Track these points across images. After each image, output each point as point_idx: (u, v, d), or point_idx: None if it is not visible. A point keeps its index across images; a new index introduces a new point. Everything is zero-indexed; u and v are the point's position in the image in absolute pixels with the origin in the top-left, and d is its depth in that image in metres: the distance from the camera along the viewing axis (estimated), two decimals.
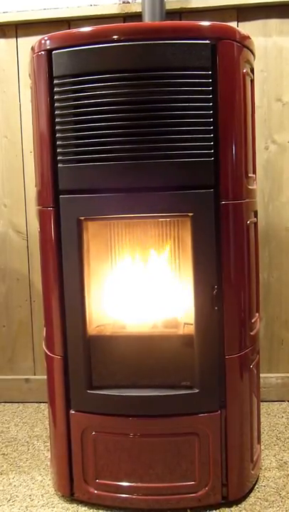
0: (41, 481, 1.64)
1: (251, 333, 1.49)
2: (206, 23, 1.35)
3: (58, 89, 1.37)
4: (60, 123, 1.38)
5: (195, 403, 1.43)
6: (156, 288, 1.58)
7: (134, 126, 1.34)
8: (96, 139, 1.35)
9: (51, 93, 1.38)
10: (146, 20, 1.74)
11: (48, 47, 1.37)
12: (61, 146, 1.39)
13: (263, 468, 1.65)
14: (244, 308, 1.44)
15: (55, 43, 1.37)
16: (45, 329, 1.53)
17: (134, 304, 1.59)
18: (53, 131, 1.39)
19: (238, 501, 1.49)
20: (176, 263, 1.62)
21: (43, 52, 1.38)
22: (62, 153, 1.39)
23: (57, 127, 1.38)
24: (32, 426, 2.03)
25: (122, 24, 1.69)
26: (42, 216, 1.46)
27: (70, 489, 1.52)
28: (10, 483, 1.63)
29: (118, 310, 1.59)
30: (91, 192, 1.38)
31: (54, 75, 1.37)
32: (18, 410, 2.18)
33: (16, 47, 2.10)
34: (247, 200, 1.43)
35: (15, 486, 1.61)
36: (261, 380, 1.73)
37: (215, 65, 1.33)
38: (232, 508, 1.47)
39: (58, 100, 1.37)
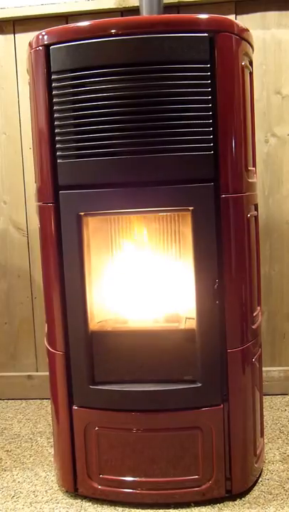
0: (45, 477, 1.64)
1: (253, 327, 1.49)
2: (204, 16, 1.34)
3: (56, 84, 1.36)
4: (58, 118, 1.38)
5: (198, 397, 1.43)
6: (158, 282, 1.58)
7: (133, 121, 1.33)
8: (95, 134, 1.35)
9: (49, 88, 1.38)
10: (144, 14, 1.74)
11: (46, 42, 1.37)
12: (60, 141, 1.39)
13: (266, 461, 1.66)
14: (245, 302, 1.44)
15: (52, 38, 1.36)
16: (46, 325, 1.53)
17: (136, 299, 1.59)
18: (51, 127, 1.39)
19: (241, 495, 1.49)
20: (177, 257, 1.61)
21: (40, 48, 1.38)
22: (61, 149, 1.39)
23: (56, 123, 1.38)
24: (35, 422, 2.04)
25: (120, 18, 1.68)
26: (42, 212, 1.46)
27: (73, 485, 1.52)
28: (14, 480, 1.63)
29: (119, 305, 1.59)
30: (91, 187, 1.38)
31: (52, 70, 1.36)
32: (21, 407, 2.19)
33: (13, 43, 2.10)
34: (247, 194, 1.43)
35: (19, 483, 1.61)
36: (264, 374, 1.73)
37: (213, 58, 1.33)
38: (236, 502, 1.47)
39: (57, 95, 1.37)
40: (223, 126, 1.35)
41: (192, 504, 1.46)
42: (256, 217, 1.55)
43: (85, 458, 1.49)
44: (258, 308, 1.57)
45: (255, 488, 1.52)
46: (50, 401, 1.58)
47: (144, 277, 1.58)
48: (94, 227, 1.51)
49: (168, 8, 1.95)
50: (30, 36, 1.44)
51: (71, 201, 1.40)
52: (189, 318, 1.51)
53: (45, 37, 1.37)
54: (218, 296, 1.39)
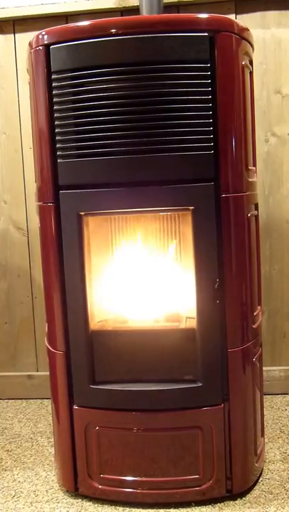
0: (45, 476, 1.64)
1: (253, 326, 1.49)
2: (204, 16, 1.34)
3: (57, 84, 1.36)
4: (58, 118, 1.38)
5: (198, 397, 1.43)
6: (158, 282, 1.58)
7: (133, 120, 1.33)
8: (95, 134, 1.35)
9: (49, 88, 1.38)
10: (144, 13, 1.73)
11: (46, 42, 1.37)
12: (60, 141, 1.39)
13: (267, 461, 1.66)
14: (246, 302, 1.44)
15: (52, 38, 1.36)
16: (47, 325, 1.53)
17: (136, 299, 1.59)
18: (52, 127, 1.39)
19: (242, 494, 1.49)
20: (178, 257, 1.61)
21: (40, 48, 1.38)
22: (61, 149, 1.39)
23: (56, 122, 1.38)
24: (35, 422, 2.04)
25: (120, 18, 1.67)
26: (42, 212, 1.46)
27: (74, 484, 1.52)
28: (14, 480, 1.63)
29: (120, 305, 1.59)
30: (91, 187, 1.38)
31: (52, 70, 1.36)
32: (22, 407, 2.19)
33: (14, 43, 2.10)
34: (247, 193, 1.43)
35: (19, 482, 1.61)
36: (264, 373, 1.73)
37: (213, 57, 1.33)
38: (236, 501, 1.47)
39: (57, 95, 1.37)
40: (224, 126, 1.35)
41: (193, 504, 1.46)
42: (256, 217, 1.55)
43: (86, 457, 1.49)
44: (259, 307, 1.57)
45: (256, 487, 1.52)
46: (50, 401, 1.58)
47: (144, 277, 1.58)
48: (94, 227, 1.50)
49: (168, 8, 1.95)
50: (30, 36, 1.44)
51: (71, 201, 1.40)
52: (190, 318, 1.51)
53: (45, 37, 1.37)
54: (219, 295, 1.39)
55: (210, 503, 1.46)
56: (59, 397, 1.50)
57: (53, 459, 1.73)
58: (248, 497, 1.48)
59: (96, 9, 2.01)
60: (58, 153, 1.39)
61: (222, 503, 1.46)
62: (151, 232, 1.60)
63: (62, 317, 1.46)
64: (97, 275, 1.52)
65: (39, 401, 2.23)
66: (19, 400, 2.25)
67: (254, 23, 1.98)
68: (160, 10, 1.74)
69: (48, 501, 1.51)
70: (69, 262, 1.43)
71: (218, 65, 1.33)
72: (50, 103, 1.38)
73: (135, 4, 1.95)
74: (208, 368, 1.42)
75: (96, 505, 1.49)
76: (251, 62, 1.49)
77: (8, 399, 2.27)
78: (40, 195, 1.46)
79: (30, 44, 1.42)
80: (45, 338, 1.56)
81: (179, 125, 1.33)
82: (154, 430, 1.45)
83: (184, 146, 1.34)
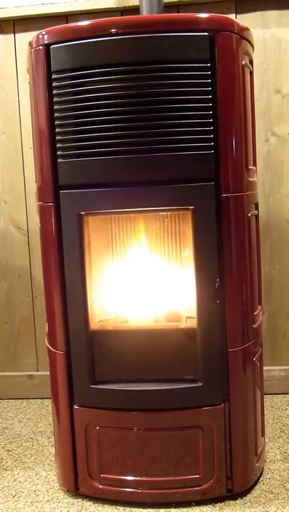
0: (46, 476, 1.64)
1: (254, 326, 1.49)
2: (204, 15, 1.34)
3: (57, 83, 1.36)
4: (59, 118, 1.38)
5: (198, 397, 1.43)
6: (158, 282, 1.58)
7: (133, 120, 1.33)
8: (95, 133, 1.35)
9: (50, 88, 1.38)
10: (144, 13, 1.73)
11: (46, 41, 1.37)
12: (61, 140, 1.39)
13: (267, 460, 1.65)
14: (246, 301, 1.44)
15: (52, 38, 1.36)
16: (47, 325, 1.53)
17: (137, 299, 1.59)
18: (52, 126, 1.39)
19: (242, 494, 1.49)
20: (178, 257, 1.61)
21: (40, 47, 1.38)
22: (61, 148, 1.39)
23: (56, 122, 1.38)
24: (36, 422, 2.04)
25: (120, 17, 1.68)
26: (42, 212, 1.46)
27: (74, 484, 1.52)
28: (15, 479, 1.63)
29: (120, 304, 1.59)
30: (91, 186, 1.38)
31: (52, 70, 1.36)
32: (22, 406, 2.19)
33: (13, 43, 2.10)
34: (248, 193, 1.43)
35: (20, 482, 1.61)
36: (264, 373, 1.73)
37: (213, 57, 1.33)
38: (237, 501, 1.47)
39: (57, 95, 1.37)
40: (224, 126, 1.35)
41: (193, 503, 1.46)
42: (257, 216, 1.55)
43: (86, 457, 1.49)
44: (259, 307, 1.57)
45: (256, 487, 1.52)
46: (50, 400, 1.58)
47: (144, 276, 1.58)
48: (94, 226, 1.50)
49: (168, 8, 1.95)
50: (30, 36, 1.44)
51: (72, 200, 1.40)
52: (190, 318, 1.51)
53: (46, 36, 1.37)
54: (219, 295, 1.39)
55: (210, 503, 1.46)
56: (59, 396, 1.50)
57: (53, 458, 1.73)
58: (249, 497, 1.48)
59: (96, 9, 2.01)
60: (58, 153, 1.39)
61: (222, 503, 1.46)
62: (152, 232, 1.60)
63: (62, 317, 1.46)
64: (98, 275, 1.52)
65: (39, 401, 2.23)
66: (19, 400, 2.25)
67: (254, 23, 1.98)
68: (160, 10, 1.74)
69: (48, 501, 1.51)
70: (69, 261, 1.43)
71: (218, 65, 1.33)
72: (50, 103, 1.38)
73: (135, 4, 1.95)
74: (208, 368, 1.42)
75: (96, 504, 1.49)
76: (251, 62, 1.49)
77: (9, 399, 2.27)
78: (41, 195, 1.46)
79: (30, 44, 1.42)
80: (46, 338, 1.56)
81: (179, 125, 1.33)
82: (155, 430, 1.45)
83: (184, 145, 1.34)
